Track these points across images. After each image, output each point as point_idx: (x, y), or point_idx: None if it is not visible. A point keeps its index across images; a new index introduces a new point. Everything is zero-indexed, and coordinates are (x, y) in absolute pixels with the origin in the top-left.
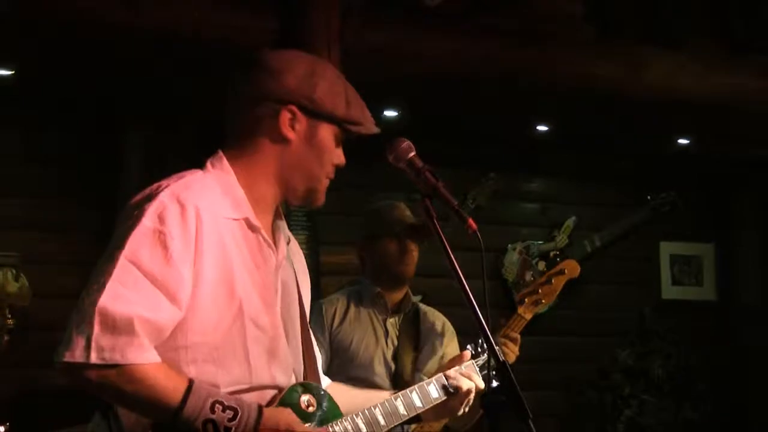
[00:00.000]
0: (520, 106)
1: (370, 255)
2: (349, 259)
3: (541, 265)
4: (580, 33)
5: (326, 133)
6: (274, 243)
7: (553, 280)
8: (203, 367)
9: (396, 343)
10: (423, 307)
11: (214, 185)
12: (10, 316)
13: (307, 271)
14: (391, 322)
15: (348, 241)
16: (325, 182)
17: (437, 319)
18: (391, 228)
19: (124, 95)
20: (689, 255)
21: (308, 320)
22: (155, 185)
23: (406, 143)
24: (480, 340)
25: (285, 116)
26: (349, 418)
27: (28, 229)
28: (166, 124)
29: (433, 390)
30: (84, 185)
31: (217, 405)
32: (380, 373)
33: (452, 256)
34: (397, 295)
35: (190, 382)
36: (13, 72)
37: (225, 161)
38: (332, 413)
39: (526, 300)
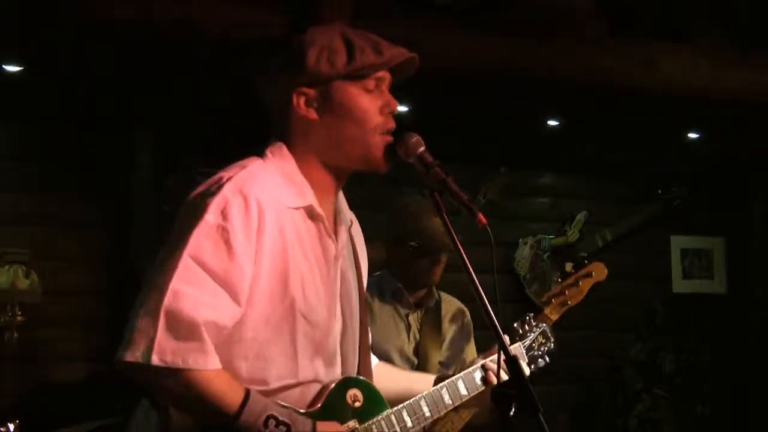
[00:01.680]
0: (531, 101)
1: (399, 258)
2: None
3: (568, 266)
4: (592, 29)
5: (344, 92)
6: (335, 230)
7: (580, 283)
8: (254, 363)
9: (418, 337)
10: (443, 295)
11: (275, 174)
12: (20, 312)
13: (365, 253)
14: (413, 317)
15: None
16: (379, 139)
17: (455, 306)
18: (428, 245)
19: (136, 94)
20: (700, 248)
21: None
22: (216, 177)
23: (416, 138)
24: (527, 317)
25: (297, 100)
26: (394, 411)
27: (39, 226)
28: (178, 123)
29: (478, 377)
30: (95, 183)
31: (270, 420)
32: (405, 367)
33: (463, 251)
34: (421, 293)
35: (247, 393)
36: (23, 68)
37: (284, 149)
38: (378, 407)
39: (552, 301)
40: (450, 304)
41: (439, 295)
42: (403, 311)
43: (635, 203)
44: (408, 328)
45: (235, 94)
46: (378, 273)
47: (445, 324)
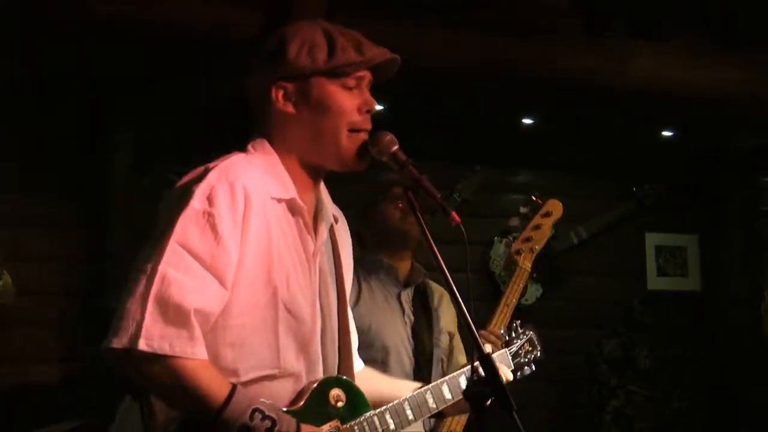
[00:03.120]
0: (506, 99)
1: (369, 226)
2: None
3: (523, 209)
4: (567, 27)
5: (323, 88)
6: (316, 226)
7: (542, 224)
8: (240, 350)
9: (412, 318)
10: (429, 281)
11: (259, 166)
12: None
13: (351, 250)
14: (404, 296)
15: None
16: (354, 137)
17: (439, 292)
18: (388, 189)
19: (114, 94)
20: (675, 246)
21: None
22: (202, 167)
23: (390, 137)
24: (514, 324)
25: (276, 93)
26: (377, 413)
27: (13, 226)
28: (156, 123)
29: (464, 381)
30: (72, 183)
31: (256, 413)
32: (402, 353)
33: (436, 249)
34: (405, 265)
35: (233, 387)
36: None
37: (266, 144)
38: (360, 408)
39: (522, 250)
40: (437, 287)
41: (425, 276)
42: (394, 291)
43: (610, 201)
44: (402, 310)
45: (212, 94)
46: (357, 259)
47: (434, 304)
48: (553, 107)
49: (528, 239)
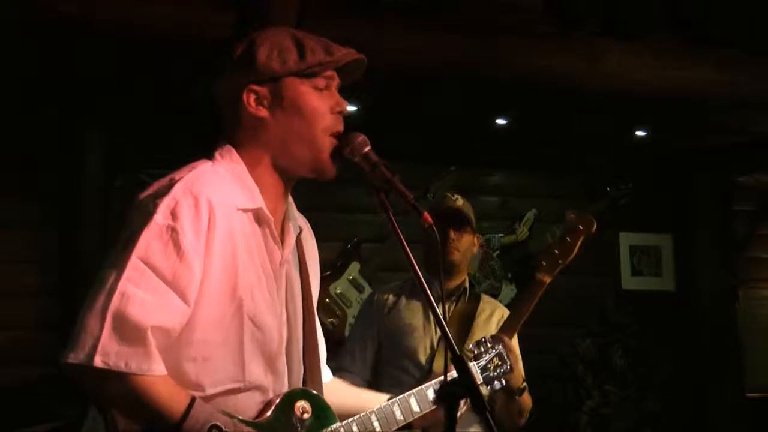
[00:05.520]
0: (480, 99)
1: (423, 246)
2: None
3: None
4: (538, 26)
5: (295, 89)
6: (283, 235)
7: (568, 238)
8: (202, 365)
9: (459, 329)
10: (485, 297)
11: (225, 175)
12: None
13: (317, 259)
14: (430, 312)
15: None
16: (327, 141)
17: (497, 308)
18: (435, 212)
19: (85, 95)
20: (649, 245)
21: (316, 316)
22: (166, 178)
23: (362, 138)
24: (483, 339)
25: (247, 98)
26: (343, 425)
27: None
28: (127, 123)
29: (432, 394)
30: (45, 184)
31: (214, 429)
32: (423, 362)
33: (408, 250)
34: (451, 283)
35: (192, 400)
36: None
37: (234, 152)
38: (327, 420)
39: (544, 263)
40: (491, 304)
41: (479, 294)
42: (416, 306)
43: (584, 201)
44: (427, 322)
45: (183, 95)
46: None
47: (479, 321)
48: (526, 107)
49: (551, 254)
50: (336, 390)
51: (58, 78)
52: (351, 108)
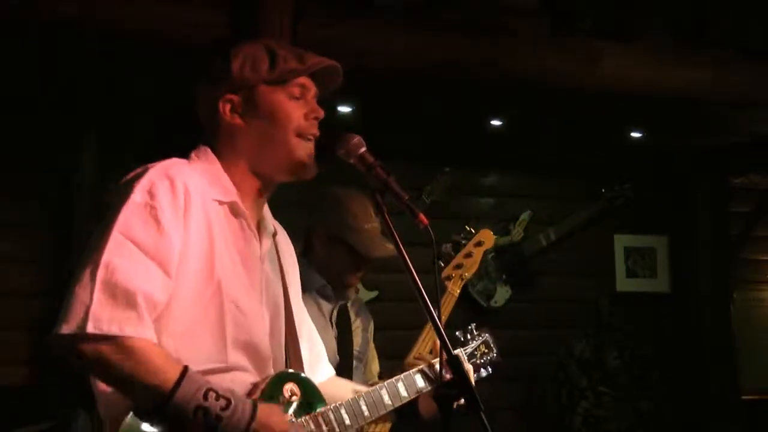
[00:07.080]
0: (475, 100)
1: (324, 249)
2: None
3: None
4: (534, 27)
5: (268, 96)
6: (259, 233)
7: (473, 252)
8: (181, 341)
9: (336, 331)
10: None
11: (201, 172)
12: None
13: (296, 262)
14: (333, 314)
15: None
16: (303, 143)
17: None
18: (363, 251)
19: (80, 94)
20: (643, 247)
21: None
22: (142, 167)
23: (357, 138)
24: (470, 327)
25: (223, 107)
26: (332, 408)
27: None
28: (121, 123)
29: (419, 380)
30: (39, 184)
31: (210, 392)
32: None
33: (404, 252)
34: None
35: (185, 367)
36: None
37: (210, 152)
38: (316, 403)
39: (453, 274)
40: (356, 299)
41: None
42: (326, 308)
43: (579, 202)
44: (331, 326)
45: (178, 96)
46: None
47: (352, 314)
48: (521, 108)
49: (459, 266)
50: (335, 381)
51: (57, 78)
52: (345, 108)
